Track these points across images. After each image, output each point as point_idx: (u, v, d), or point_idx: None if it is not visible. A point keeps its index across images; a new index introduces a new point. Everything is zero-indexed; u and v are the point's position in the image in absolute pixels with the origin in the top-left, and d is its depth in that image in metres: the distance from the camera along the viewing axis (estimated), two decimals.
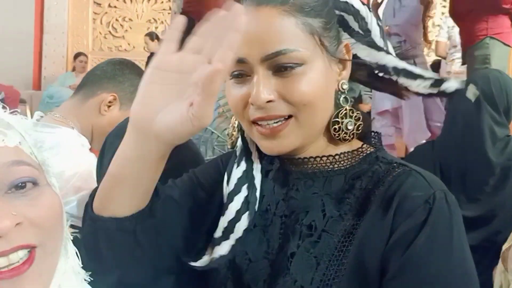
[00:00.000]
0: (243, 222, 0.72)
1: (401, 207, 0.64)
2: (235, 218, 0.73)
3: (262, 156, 0.77)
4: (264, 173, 0.77)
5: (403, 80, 0.75)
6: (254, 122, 0.68)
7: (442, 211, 0.64)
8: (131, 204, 0.66)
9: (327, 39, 0.69)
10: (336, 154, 0.71)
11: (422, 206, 0.63)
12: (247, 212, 0.73)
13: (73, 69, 6.15)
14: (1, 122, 0.51)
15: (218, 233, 0.73)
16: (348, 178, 0.70)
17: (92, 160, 1.26)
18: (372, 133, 0.74)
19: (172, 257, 0.73)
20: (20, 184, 0.49)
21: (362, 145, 0.73)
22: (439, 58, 5.02)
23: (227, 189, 0.75)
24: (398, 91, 0.78)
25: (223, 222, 0.73)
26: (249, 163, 0.77)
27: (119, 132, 0.97)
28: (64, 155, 1.20)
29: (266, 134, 0.68)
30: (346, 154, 0.71)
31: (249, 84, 0.67)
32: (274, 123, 0.67)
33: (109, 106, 1.36)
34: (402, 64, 0.75)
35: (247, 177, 0.75)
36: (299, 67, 0.65)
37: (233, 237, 0.73)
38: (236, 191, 0.75)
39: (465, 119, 1.70)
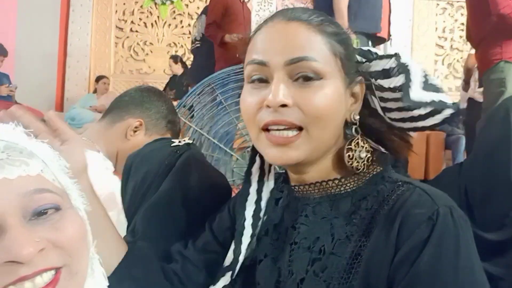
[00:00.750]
0: (244, 244, 0.76)
1: (405, 225, 0.64)
2: (237, 249, 0.77)
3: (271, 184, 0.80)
4: (274, 202, 0.79)
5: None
6: (265, 130, 0.69)
7: (447, 227, 0.63)
8: None
9: (347, 66, 0.71)
10: (342, 177, 0.72)
11: (425, 222, 0.63)
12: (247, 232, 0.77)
13: (95, 91, 6.27)
14: (24, 151, 0.53)
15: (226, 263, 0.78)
16: (354, 199, 0.71)
17: (116, 183, 1.29)
18: (379, 153, 0.75)
19: None
20: (42, 211, 0.51)
21: (369, 166, 0.73)
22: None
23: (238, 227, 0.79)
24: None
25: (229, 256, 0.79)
26: (260, 184, 0.79)
27: (143, 159, 0.99)
28: (90, 178, 1.23)
29: (277, 142, 0.68)
30: (352, 177, 0.72)
31: (266, 90, 0.69)
32: (285, 130, 0.68)
33: (134, 131, 1.40)
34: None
35: (256, 201, 0.79)
36: (318, 81, 0.67)
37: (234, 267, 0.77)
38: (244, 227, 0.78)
39: (494, 144, 1.69)
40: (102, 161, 1.34)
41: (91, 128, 1.47)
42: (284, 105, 0.66)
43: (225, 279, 0.77)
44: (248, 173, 0.81)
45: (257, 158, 0.81)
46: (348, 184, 0.72)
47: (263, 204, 0.79)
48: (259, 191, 0.80)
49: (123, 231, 1.33)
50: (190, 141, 1.09)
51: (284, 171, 0.79)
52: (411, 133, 0.77)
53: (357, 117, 0.73)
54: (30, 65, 6.05)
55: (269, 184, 0.81)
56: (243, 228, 0.78)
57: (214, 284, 0.78)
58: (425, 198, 0.66)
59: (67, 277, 0.50)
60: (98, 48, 6.68)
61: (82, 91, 6.59)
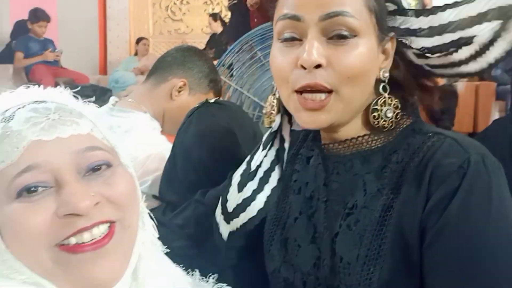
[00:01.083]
0: (259, 203, 0.79)
1: (435, 175, 0.64)
2: (250, 197, 0.80)
3: (295, 142, 0.81)
4: (306, 160, 0.79)
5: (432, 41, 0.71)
6: (297, 92, 0.68)
7: (478, 175, 0.62)
8: None
9: (381, 22, 0.69)
10: (372, 133, 0.71)
11: (456, 172, 0.63)
12: (262, 192, 0.79)
13: (135, 53, 6.35)
14: (73, 112, 0.55)
15: (230, 209, 0.81)
16: (385, 154, 0.70)
17: (163, 143, 1.32)
18: (408, 106, 0.73)
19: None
20: (95, 167, 0.53)
21: (399, 120, 0.72)
22: None
23: (246, 169, 0.82)
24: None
25: (238, 198, 0.81)
26: (281, 148, 0.80)
27: (199, 140, 1.03)
28: (138, 138, 1.27)
29: (309, 107, 0.67)
30: (383, 132, 0.71)
31: (298, 49, 0.67)
32: (317, 92, 0.67)
33: (179, 91, 1.42)
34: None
35: (273, 161, 0.80)
36: (352, 39, 0.65)
37: (247, 216, 0.79)
38: (255, 171, 0.81)
39: None
40: (149, 122, 1.38)
41: (136, 90, 1.51)
42: (318, 66, 0.65)
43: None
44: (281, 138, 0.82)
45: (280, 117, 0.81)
46: (379, 140, 0.71)
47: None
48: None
49: None
50: (213, 100, 1.11)
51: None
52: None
53: (387, 74, 0.71)
54: (72, 30, 6.18)
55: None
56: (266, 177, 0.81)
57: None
58: (455, 148, 0.65)
59: (121, 231, 0.53)
60: (137, 10, 6.72)
61: (124, 54, 6.69)
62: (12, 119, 0.52)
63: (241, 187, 0.81)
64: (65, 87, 0.60)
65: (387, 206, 0.66)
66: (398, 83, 0.74)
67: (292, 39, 0.67)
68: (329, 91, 0.67)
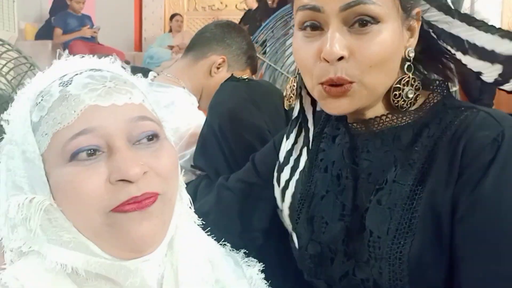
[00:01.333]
0: (291, 189, 0.80)
1: (468, 148, 0.63)
2: (284, 187, 0.80)
3: (320, 122, 0.81)
4: (331, 139, 0.79)
5: (469, 61, 0.70)
6: (320, 84, 0.68)
7: None
8: None
9: (403, 1, 0.67)
10: (401, 111, 0.70)
11: (490, 145, 0.62)
12: (293, 178, 0.79)
13: (170, 30, 6.38)
14: (127, 82, 0.57)
15: (278, 204, 0.82)
16: (416, 129, 0.69)
17: (202, 117, 1.33)
18: (438, 82, 0.72)
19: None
20: (146, 137, 0.55)
21: (428, 95, 0.71)
22: None
23: (278, 162, 0.82)
24: (448, 74, 0.74)
25: (277, 193, 0.82)
26: (306, 130, 0.80)
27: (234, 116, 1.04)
28: (178, 113, 1.29)
29: (332, 94, 0.67)
30: (411, 111, 0.71)
31: (320, 39, 0.66)
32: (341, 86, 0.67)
33: (218, 68, 1.42)
34: (481, 40, 0.69)
35: (297, 146, 0.80)
36: (375, 25, 0.64)
37: (285, 206, 0.80)
38: (285, 162, 0.81)
39: None
40: (187, 97, 1.39)
41: (174, 65, 1.52)
42: (341, 58, 0.65)
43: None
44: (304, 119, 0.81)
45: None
46: (409, 116, 0.71)
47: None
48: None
49: None
50: (246, 77, 1.12)
51: None
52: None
53: (412, 54, 0.70)
54: (109, 6, 6.24)
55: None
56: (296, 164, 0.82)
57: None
58: (489, 121, 0.65)
59: (163, 202, 0.54)
60: None
61: (158, 31, 6.73)
62: (70, 83, 0.54)
63: (277, 181, 0.83)
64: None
65: (418, 180, 0.66)
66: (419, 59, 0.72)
67: (313, 27, 0.67)
68: (351, 82, 0.66)
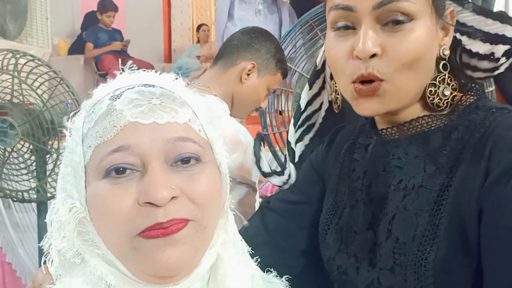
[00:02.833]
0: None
1: (497, 148, 0.61)
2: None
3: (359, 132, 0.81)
4: (364, 149, 0.78)
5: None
6: (353, 82, 0.67)
7: None
8: None
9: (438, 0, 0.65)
10: (432, 114, 0.68)
11: None
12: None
13: (198, 41, 6.43)
14: (177, 100, 0.55)
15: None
16: (446, 133, 0.67)
17: (236, 124, 1.32)
18: (472, 83, 0.70)
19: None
20: (184, 159, 0.53)
21: (462, 97, 0.69)
22: None
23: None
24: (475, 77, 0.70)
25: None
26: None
27: None
28: (219, 122, 1.27)
29: (362, 93, 0.66)
30: (444, 111, 0.69)
31: (353, 38, 0.65)
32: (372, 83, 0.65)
33: (248, 74, 1.41)
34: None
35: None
36: (408, 23, 0.63)
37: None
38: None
39: None
40: (220, 104, 1.38)
41: (204, 74, 1.52)
42: (373, 55, 0.64)
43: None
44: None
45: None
46: (439, 119, 0.69)
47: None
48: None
49: (255, 174, 1.37)
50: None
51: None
52: None
53: (447, 52, 0.68)
54: (139, 19, 6.36)
55: None
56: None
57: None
58: None
59: (195, 228, 0.53)
60: None
61: (187, 42, 6.80)
62: (119, 98, 0.53)
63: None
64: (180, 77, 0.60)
65: (445, 185, 0.64)
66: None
67: (346, 28, 0.66)
68: (381, 80, 0.65)
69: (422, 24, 0.64)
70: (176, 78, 0.59)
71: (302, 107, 0.82)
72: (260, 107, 1.54)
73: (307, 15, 1.83)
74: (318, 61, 0.79)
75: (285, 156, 0.86)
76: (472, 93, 0.70)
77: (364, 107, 0.67)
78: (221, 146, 0.59)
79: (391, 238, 0.67)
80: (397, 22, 0.63)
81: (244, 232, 0.67)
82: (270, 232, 0.86)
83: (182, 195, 0.52)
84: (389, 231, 0.68)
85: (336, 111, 0.79)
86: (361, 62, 0.64)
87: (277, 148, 1.97)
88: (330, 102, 0.84)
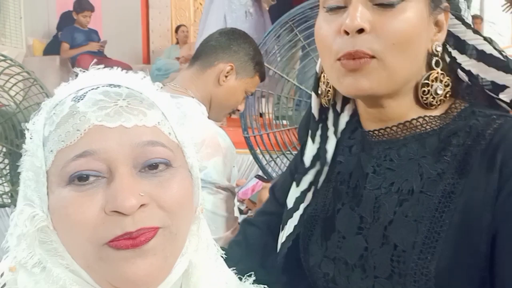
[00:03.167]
0: (308, 198, 0.76)
1: (509, 157, 0.60)
2: (300, 197, 0.77)
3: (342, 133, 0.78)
4: (348, 150, 0.75)
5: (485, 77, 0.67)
6: (339, 60, 0.65)
7: None
8: None
9: None
10: (426, 116, 0.67)
11: None
12: (313, 187, 0.75)
13: (177, 42, 6.38)
14: (145, 101, 0.52)
15: (287, 210, 0.78)
16: (443, 136, 0.66)
17: (214, 127, 1.29)
18: (464, 87, 0.69)
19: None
20: (153, 164, 0.50)
21: (454, 101, 0.68)
22: None
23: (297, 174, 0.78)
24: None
25: (290, 202, 0.78)
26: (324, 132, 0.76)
27: None
28: (190, 124, 1.24)
29: (349, 67, 0.64)
30: (438, 114, 0.67)
31: (343, 15, 0.64)
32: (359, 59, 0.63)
33: (226, 76, 1.39)
34: (492, 52, 0.67)
35: (320, 153, 0.76)
36: (400, 4, 0.62)
37: (297, 214, 0.76)
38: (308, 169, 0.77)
39: None
40: (198, 106, 1.35)
41: (181, 76, 1.48)
42: (361, 30, 0.62)
43: (289, 227, 0.78)
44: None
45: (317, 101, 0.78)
46: (434, 122, 0.67)
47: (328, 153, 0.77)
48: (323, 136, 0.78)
49: (233, 177, 1.34)
50: None
51: (349, 118, 0.76)
52: None
53: (440, 48, 0.67)
54: (116, 20, 6.27)
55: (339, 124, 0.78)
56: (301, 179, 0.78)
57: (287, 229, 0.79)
58: None
59: (165, 236, 0.50)
60: None
61: (166, 42, 6.74)
62: (82, 99, 0.50)
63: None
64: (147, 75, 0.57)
65: (448, 192, 0.62)
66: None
67: (337, 7, 0.64)
68: (372, 57, 0.63)
69: (414, 6, 0.63)
70: (144, 77, 0.55)
71: (316, 116, 0.78)
72: (238, 110, 1.52)
73: (286, 16, 1.81)
74: (318, 68, 0.78)
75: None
76: (466, 98, 0.69)
77: (349, 84, 0.65)
78: (193, 148, 0.56)
79: (387, 245, 0.65)
80: (388, 4, 0.62)
81: (227, 250, 0.65)
82: (250, 247, 0.84)
83: (151, 202, 0.49)
84: (385, 237, 0.65)
85: (326, 105, 0.76)
86: (349, 38, 0.63)
87: (258, 151, 1.96)
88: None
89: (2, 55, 2.11)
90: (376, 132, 0.70)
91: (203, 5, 6.70)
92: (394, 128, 0.69)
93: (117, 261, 0.48)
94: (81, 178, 0.48)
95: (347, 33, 0.63)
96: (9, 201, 2.14)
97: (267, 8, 3.59)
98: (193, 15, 6.80)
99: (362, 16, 0.62)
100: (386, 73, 0.64)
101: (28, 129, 0.52)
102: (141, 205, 0.48)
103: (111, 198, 0.47)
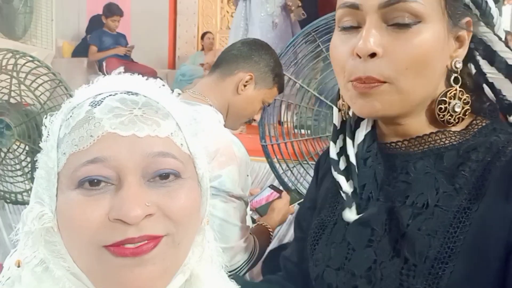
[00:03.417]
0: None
1: None
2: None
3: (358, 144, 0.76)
4: (363, 162, 0.74)
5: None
6: (351, 81, 0.64)
7: None
8: None
9: (451, 5, 0.62)
10: (446, 131, 0.66)
11: None
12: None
13: (202, 48, 6.44)
14: (160, 111, 0.52)
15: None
16: (462, 151, 0.64)
17: (230, 136, 1.29)
18: (487, 105, 0.67)
19: None
20: (162, 174, 0.50)
21: (475, 117, 0.66)
22: None
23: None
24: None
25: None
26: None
27: None
28: (206, 131, 1.24)
29: (361, 91, 0.63)
30: (458, 130, 0.66)
31: (356, 36, 0.63)
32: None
33: (245, 85, 1.40)
34: None
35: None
36: (415, 25, 0.60)
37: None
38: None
39: None
40: (214, 114, 1.35)
41: (200, 83, 1.49)
42: (373, 54, 0.61)
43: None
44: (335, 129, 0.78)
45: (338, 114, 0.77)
46: (454, 137, 0.66)
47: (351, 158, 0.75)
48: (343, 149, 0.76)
49: (247, 187, 1.34)
50: None
51: (370, 129, 0.74)
52: None
53: (460, 65, 0.65)
54: (144, 25, 6.36)
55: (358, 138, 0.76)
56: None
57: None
58: None
59: (168, 245, 0.50)
60: (206, 5, 6.81)
61: (191, 49, 6.81)
62: (99, 104, 0.50)
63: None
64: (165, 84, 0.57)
65: (463, 207, 0.61)
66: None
67: (352, 28, 0.63)
68: (383, 82, 0.62)
69: (430, 28, 0.61)
70: (163, 85, 0.56)
71: (338, 126, 0.78)
72: (254, 119, 1.52)
73: (309, 27, 1.81)
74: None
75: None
76: (487, 115, 0.67)
77: (362, 105, 0.64)
78: (204, 159, 0.56)
79: (398, 258, 0.64)
80: (403, 24, 0.60)
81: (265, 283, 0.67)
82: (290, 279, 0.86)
83: (158, 211, 0.49)
84: (395, 250, 0.64)
85: (344, 119, 0.76)
86: (361, 61, 0.62)
87: (275, 160, 1.95)
88: None
89: (30, 56, 2.16)
90: (393, 144, 0.69)
91: (230, 12, 6.80)
92: (412, 141, 0.68)
93: (116, 267, 0.48)
94: (90, 183, 0.48)
95: (359, 56, 0.62)
96: (29, 199, 2.18)
97: (296, 20, 3.60)
98: (220, 22, 6.86)
99: (375, 39, 0.61)
100: (399, 96, 0.63)
101: (46, 126, 0.53)
102: (147, 215, 0.48)
103: (116, 206, 0.47)
